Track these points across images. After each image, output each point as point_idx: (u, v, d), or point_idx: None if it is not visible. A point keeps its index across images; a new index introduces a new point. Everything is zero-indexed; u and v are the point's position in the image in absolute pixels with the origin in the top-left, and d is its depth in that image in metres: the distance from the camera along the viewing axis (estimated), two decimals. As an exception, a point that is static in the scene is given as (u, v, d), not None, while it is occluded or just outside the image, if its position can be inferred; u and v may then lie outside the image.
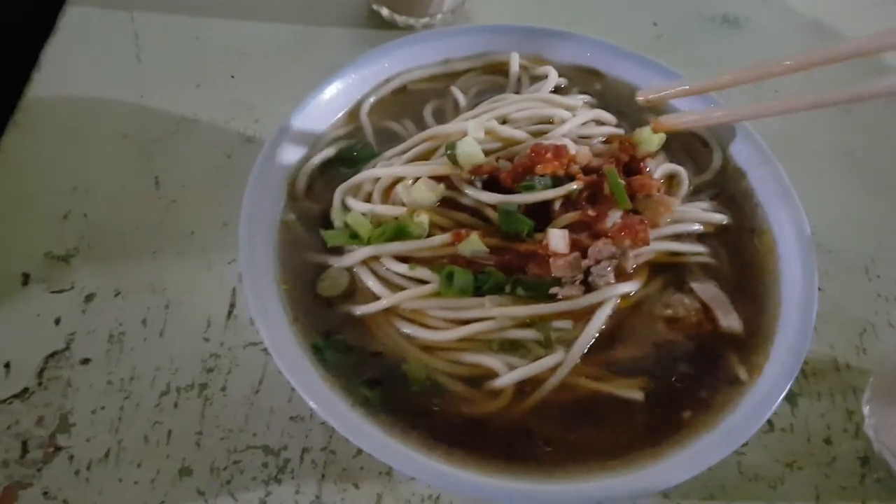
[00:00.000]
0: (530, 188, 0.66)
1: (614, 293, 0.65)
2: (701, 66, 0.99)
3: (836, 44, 0.64)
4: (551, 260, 0.63)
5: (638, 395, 0.62)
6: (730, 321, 0.66)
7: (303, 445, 0.68)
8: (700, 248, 0.71)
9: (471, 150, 0.67)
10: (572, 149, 0.69)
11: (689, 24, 1.08)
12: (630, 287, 0.66)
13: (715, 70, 0.97)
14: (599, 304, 0.65)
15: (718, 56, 1.03)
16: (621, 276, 0.66)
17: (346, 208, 0.70)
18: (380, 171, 0.71)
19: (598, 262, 0.63)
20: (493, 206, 0.67)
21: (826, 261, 0.82)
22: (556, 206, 0.68)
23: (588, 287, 0.64)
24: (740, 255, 0.72)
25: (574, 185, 0.67)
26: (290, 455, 0.68)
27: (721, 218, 0.74)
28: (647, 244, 0.65)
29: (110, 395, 0.70)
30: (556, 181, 0.68)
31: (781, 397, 0.61)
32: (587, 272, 0.65)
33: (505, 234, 0.66)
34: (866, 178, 0.92)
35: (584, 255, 0.64)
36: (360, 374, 0.63)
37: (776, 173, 0.74)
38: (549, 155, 0.67)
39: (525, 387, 0.62)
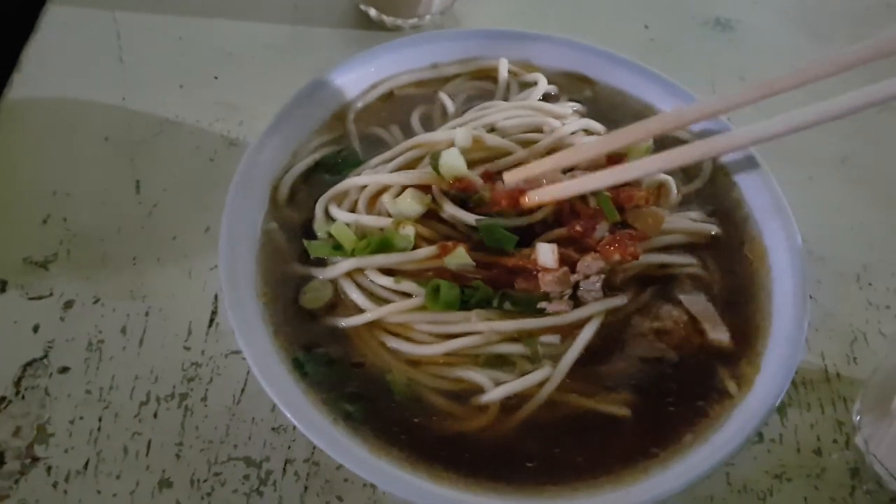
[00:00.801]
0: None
1: (602, 308, 0.64)
2: (694, 70, 1.00)
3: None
4: (540, 275, 0.62)
5: (624, 412, 0.62)
6: (718, 333, 0.65)
7: (285, 457, 0.67)
8: (689, 259, 0.70)
9: (454, 162, 0.67)
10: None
11: (681, 27, 1.07)
12: (618, 301, 0.65)
13: (707, 73, 1.00)
14: (588, 319, 0.64)
15: (711, 59, 1.03)
16: (610, 289, 0.65)
17: (329, 218, 0.69)
18: (365, 178, 0.70)
19: (587, 276, 0.63)
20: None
21: (817, 268, 0.82)
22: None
23: (576, 301, 0.64)
24: (730, 266, 0.71)
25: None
26: (272, 467, 0.67)
27: (709, 228, 0.73)
28: (637, 258, 0.64)
29: (89, 404, 0.69)
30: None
31: (769, 411, 0.60)
32: (576, 286, 0.64)
33: (490, 249, 0.65)
34: (858, 184, 0.91)
35: (573, 270, 0.63)
36: (341, 388, 0.62)
37: (767, 181, 0.73)
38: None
39: (511, 402, 0.61)
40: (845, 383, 0.76)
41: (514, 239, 0.65)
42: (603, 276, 0.63)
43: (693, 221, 0.73)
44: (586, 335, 0.63)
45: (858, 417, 0.71)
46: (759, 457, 0.70)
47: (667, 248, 0.71)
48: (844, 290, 0.83)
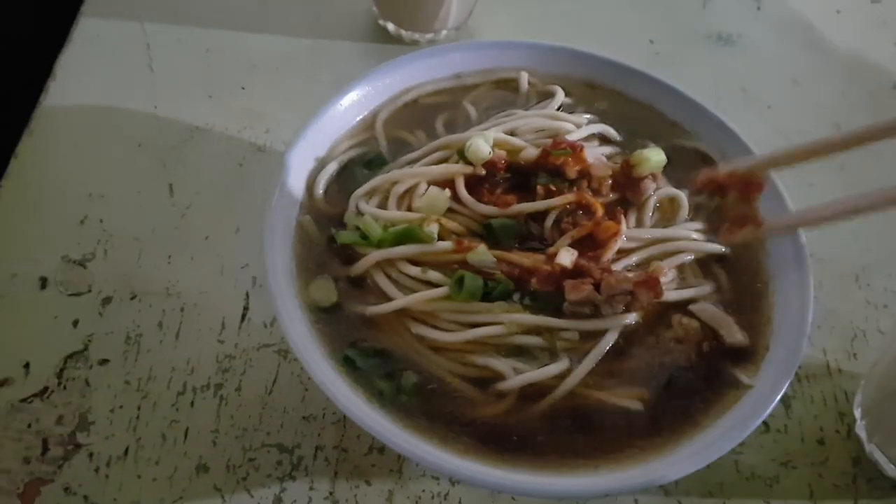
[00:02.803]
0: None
1: (620, 323, 0.66)
2: (698, 82, 1.01)
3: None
4: (567, 292, 0.64)
5: (637, 406, 0.64)
6: (736, 336, 0.67)
7: (315, 444, 0.70)
8: (707, 287, 0.71)
9: (481, 146, 0.70)
10: (589, 157, 0.72)
11: (684, 41, 1.11)
12: (633, 318, 0.67)
13: (710, 86, 1.02)
14: (605, 330, 0.66)
15: (714, 72, 1.06)
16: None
17: (360, 213, 0.72)
18: (395, 173, 0.73)
19: (610, 297, 0.65)
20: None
21: (819, 270, 0.83)
22: (549, 222, 0.71)
23: (596, 309, 0.66)
24: (736, 271, 0.73)
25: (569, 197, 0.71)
26: (303, 453, 0.70)
27: (716, 248, 0.73)
28: (660, 297, 0.66)
29: (128, 394, 0.71)
30: (549, 193, 0.71)
31: (779, 398, 0.62)
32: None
33: (507, 246, 0.69)
34: (855, 190, 0.91)
35: (598, 288, 0.65)
36: (377, 374, 0.64)
37: (775, 189, 0.75)
38: (564, 145, 0.71)
39: (528, 391, 0.64)
40: (846, 377, 0.78)
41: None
42: (627, 298, 0.65)
43: (698, 241, 0.74)
44: (605, 344, 0.65)
45: (859, 409, 0.74)
46: (765, 446, 0.73)
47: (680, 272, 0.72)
48: (844, 290, 0.86)
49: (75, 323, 0.75)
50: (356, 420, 0.59)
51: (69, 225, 0.82)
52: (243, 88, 0.96)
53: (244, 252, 0.81)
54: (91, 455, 0.68)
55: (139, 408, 0.71)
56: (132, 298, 0.77)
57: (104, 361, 0.73)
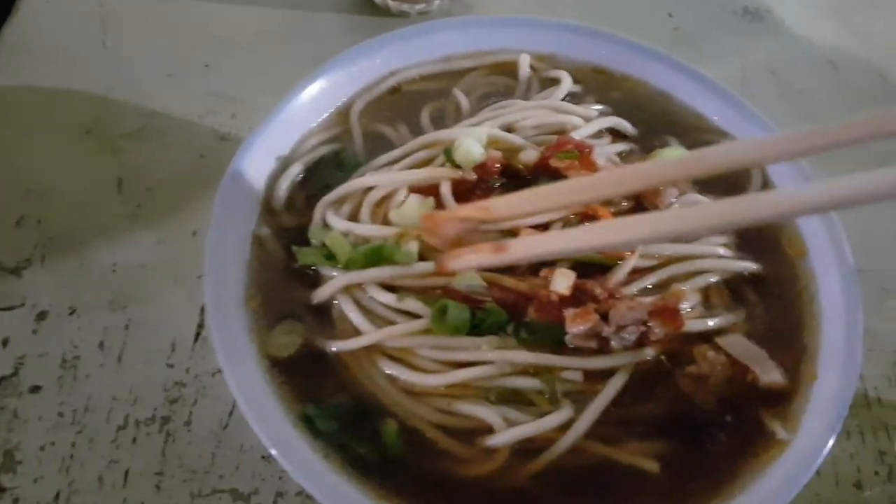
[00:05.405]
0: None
1: (630, 360, 0.58)
2: (722, 63, 0.95)
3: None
4: (568, 323, 0.57)
5: (653, 466, 0.56)
6: (771, 375, 0.59)
7: (276, 489, 0.63)
8: (731, 317, 0.64)
9: (471, 148, 0.64)
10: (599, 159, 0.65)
11: (707, 16, 1.04)
12: (648, 353, 0.59)
13: (736, 67, 0.96)
14: (614, 369, 0.58)
15: (740, 51, 0.99)
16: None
17: (327, 226, 0.64)
18: (370, 178, 0.65)
19: (620, 328, 0.57)
20: None
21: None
22: None
23: (604, 341, 0.58)
24: (771, 296, 0.66)
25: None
26: (261, 500, 0.63)
27: (748, 267, 0.66)
28: (680, 329, 0.59)
29: (62, 428, 0.65)
30: None
31: (824, 456, 0.55)
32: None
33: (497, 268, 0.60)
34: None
35: (605, 318, 0.57)
36: (343, 434, 0.56)
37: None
38: (569, 146, 0.64)
39: (524, 445, 0.55)
40: (887, 408, 0.72)
41: None
42: (641, 328, 0.58)
43: (727, 258, 0.67)
44: (613, 387, 0.57)
45: None
46: None
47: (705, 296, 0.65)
48: (886, 306, 0.79)
49: (4, 342, 0.68)
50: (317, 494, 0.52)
51: (3, 227, 0.75)
52: (207, 66, 0.89)
53: (201, 259, 0.72)
54: (16, 501, 0.61)
55: (73, 444, 0.64)
56: (71, 313, 0.70)
57: (36, 389, 0.66)
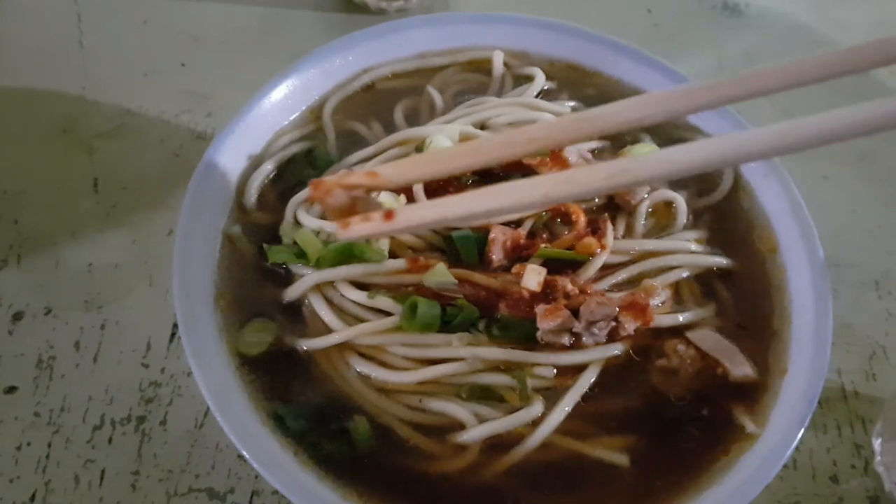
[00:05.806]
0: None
1: (601, 356, 0.58)
2: (700, 58, 0.94)
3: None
4: (539, 319, 0.56)
5: (623, 460, 0.56)
6: (741, 369, 0.59)
7: (252, 488, 0.63)
8: (702, 312, 0.64)
9: (441, 144, 0.63)
10: (572, 156, 0.65)
11: (686, 11, 1.03)
12: (619, 348, 0.60)
13: (714, 62, 0.95)
14: (586, 364, 0.58)
15: (719, 46, 0.98)
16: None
17: (298, 224, 0.63)
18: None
19: (591, 323, 0.57)
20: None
21: (832, 276, 0.76)
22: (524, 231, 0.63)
23: (576, 337, 0.58)
24: (742, 290, 0.66)
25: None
26: (237, 499, 0.62)
27: (719, 261, 0.66)
28: (649, 324, 0.59)
29: (38, 428, 0.64)
30: None
31: (792, 450, 0.55)
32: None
33: (469, 264, 0.61)
34: (877, 184, 0.86)
35: (576, 314, 0.57)
36: (314, 432, 0.56)
37: (785, 184, 0.68)
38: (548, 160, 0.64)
39: (495, 441, 0.55)
40: (864, 402, 0.71)
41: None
42: (612, 324, 0.58)
43: (698, 252, 0.66)
44: (584, 383, 0.57)
45: (879, 440, 0.67)
46: (770, 485, 0.63)
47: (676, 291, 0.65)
48: (862, 300, 0.78)
49: (-21, 343, 0.67)
50: (287, 493, 0.51)
51: (-22, 227, 0.74)
52: (183, 65, 0.89)
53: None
54: (-9, 502, 0.61)
55: (50, 445, 0.64)
56: (46, 314, 0.70)
57: (12, 389, 0.66)
